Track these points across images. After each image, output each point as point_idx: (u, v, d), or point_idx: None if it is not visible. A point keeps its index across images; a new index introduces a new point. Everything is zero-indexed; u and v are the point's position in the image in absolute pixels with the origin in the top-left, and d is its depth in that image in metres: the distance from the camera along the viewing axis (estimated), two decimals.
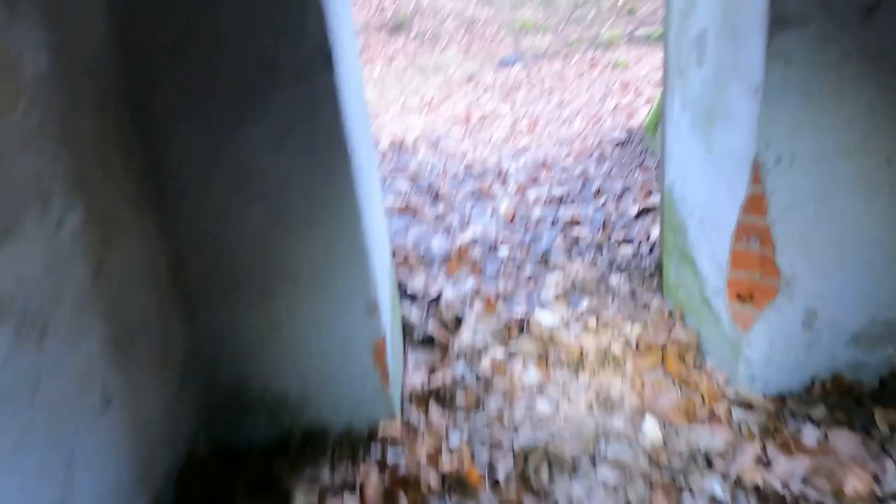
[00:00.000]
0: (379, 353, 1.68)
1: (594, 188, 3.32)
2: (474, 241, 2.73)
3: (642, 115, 4.42)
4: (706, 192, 1.84)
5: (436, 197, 3.31)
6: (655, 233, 2.62)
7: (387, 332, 1.75)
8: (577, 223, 2.94)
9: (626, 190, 3.28)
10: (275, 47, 1.37)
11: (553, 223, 2.96)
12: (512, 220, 3.06)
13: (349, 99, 1.54)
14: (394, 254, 2.54)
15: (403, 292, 2.36)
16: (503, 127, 5.73)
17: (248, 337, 1.62)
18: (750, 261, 1.69)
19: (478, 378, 1.96)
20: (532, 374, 1.97)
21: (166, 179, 1.46)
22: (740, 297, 1.74)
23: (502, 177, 3.81)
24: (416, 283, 2.39)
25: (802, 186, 1.55)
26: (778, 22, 1.41)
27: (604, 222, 2.89)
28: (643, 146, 3.84)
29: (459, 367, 1.99)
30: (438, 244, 2.68)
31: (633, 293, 2.35)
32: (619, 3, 12.61)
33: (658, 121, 3.59)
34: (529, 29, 12.29)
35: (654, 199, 3.01)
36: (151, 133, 1.41)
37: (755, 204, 1.60)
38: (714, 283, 1.86)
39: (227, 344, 1.62)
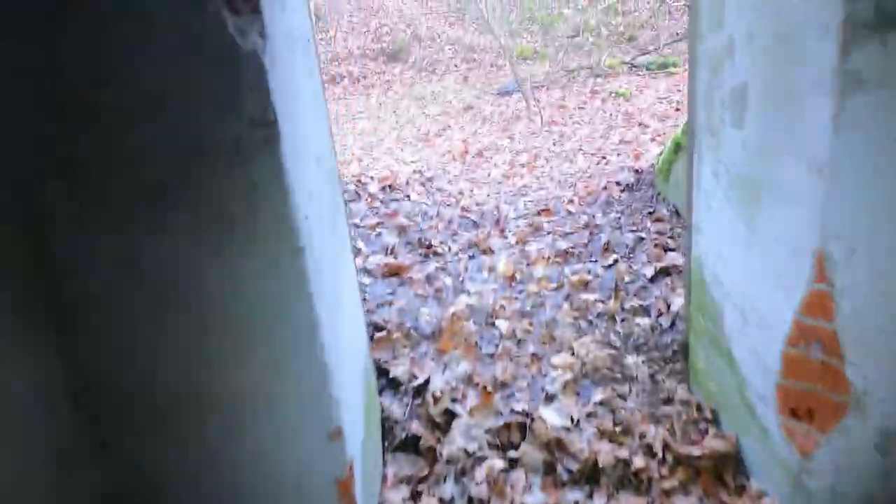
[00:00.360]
0: (344, 488, 1.34)
1: (602, 241, 3.00)
2: (469, 310, 2.40)
3: (651, 154, 4.13)
4: (747, 278, 1.51)
5: (427, 252, 2.98)
6: (676, 302, 2.29)
7: (356, 456, 1.40)
8: (585, 285, 2.61)
9: (638, 243, 2.96)
10: (202, 123, 1.05)
11: (558, 286, 2.63)
12: (512, 281, 2.73)
13: (304, 178, 1.22)
14: (375, 329, 2.21)
15: (385, 378, 2.02)
16: (502, 163, 5.44)
17: (178, 477, 1.28)
18: (809, 370, 1.35)
19: (471, 501, 1.60)
20: (537, 496, 1.61)
21: (68, 289, 1.13)
22: (796, 414, 1.40)
23: (501, 224, 3.50)
24: (400, 366, 2.05)
25: (880, 284, 1.22)
26: (851, 83, 1.10)
27: (615, 285, 2.56)
28: (654, 191, 3.53)
29: (448, 486, 1.64)
30: (428, 314, 2.35)
31: (653, 379, 2.01)
32: (619, 31, 12.47)
33: (671, 165, 3.29)
34: (528, 56, 12.13)
35: (672, 257, 2.68)
36: (47, 231, 1.09)
37: (818, 304, 1.27)
38: (759, 389, 1.52)
39: (150, 486, 1.27)
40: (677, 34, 11.78)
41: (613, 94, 7.32)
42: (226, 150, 1.07)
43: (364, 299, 2.41)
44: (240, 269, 1.14)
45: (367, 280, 2.58)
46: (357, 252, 2.82)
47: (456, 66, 12.09)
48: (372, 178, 4.42)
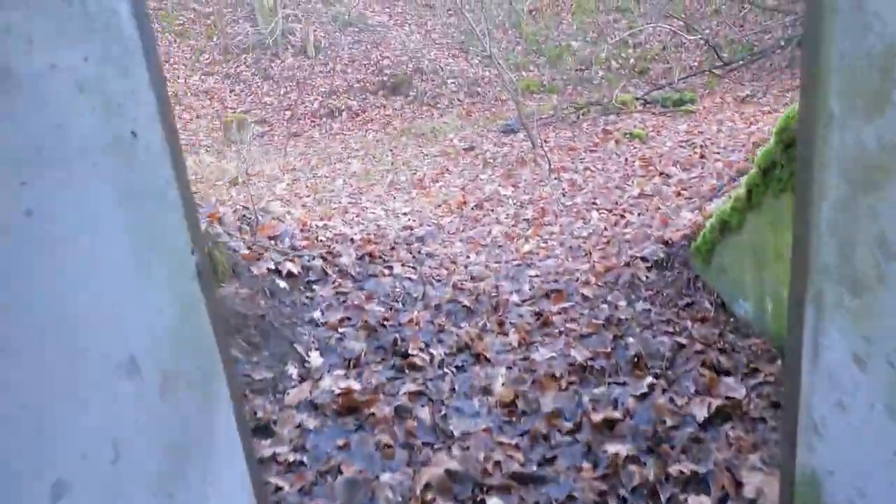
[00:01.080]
0: None
1: (631, 350, 2.30)
2: (450, 477, 1.70)
3: (682, 221, 3.45)
4: None
5: (402, 363, 2.30)
6: (752, 480, 1.58)
7: None
8: (612, 427, 1.90)
9: (677, 353, 2.26)
10: None
11: (574, 427, 1.93)
12: (511, 414, 2.03)
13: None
14: None
15: None
16: (504, 217, 4.79)
17: None
18: None
19: None
20: None
21: None
22: None
23: (500, 312, 2.81)
24: None
25: None
26: None
27: (654, 430, 1.85)
28: (690, 273, 2.84)
29: None
30: (391, 486, 1.65)
31: None
32: (630, 63, 11.93)
33: (714, 246, 2.60)
34: (535, 90, 11.57)
35: (729, 386, 1.98)
36: None
37: None
38: None
39: None
40: (691, 67, 11.22)
41: (628, 135, 6.69)
42: None
43: (301, 462, 1.71)
44: None
45: (312, 422, 1.88)
46: (306, 373, 2.13)
47: (459, 100, 11.56)
48: (352, 240, 3.77)
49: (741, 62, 9.61)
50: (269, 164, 8.24)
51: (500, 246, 4.08)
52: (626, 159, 5.78)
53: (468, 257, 3.84)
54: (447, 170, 6.55)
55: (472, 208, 5.07)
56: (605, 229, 4.00)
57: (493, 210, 4.99)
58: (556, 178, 5.50)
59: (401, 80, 12.13)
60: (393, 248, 3.80)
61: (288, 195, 6.18)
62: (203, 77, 13.04)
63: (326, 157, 8.57)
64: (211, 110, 12.18)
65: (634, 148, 6.19)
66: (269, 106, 12.29)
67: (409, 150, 8.24)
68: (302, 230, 3.78)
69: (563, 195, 5.09)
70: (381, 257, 3.50)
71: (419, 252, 3.86)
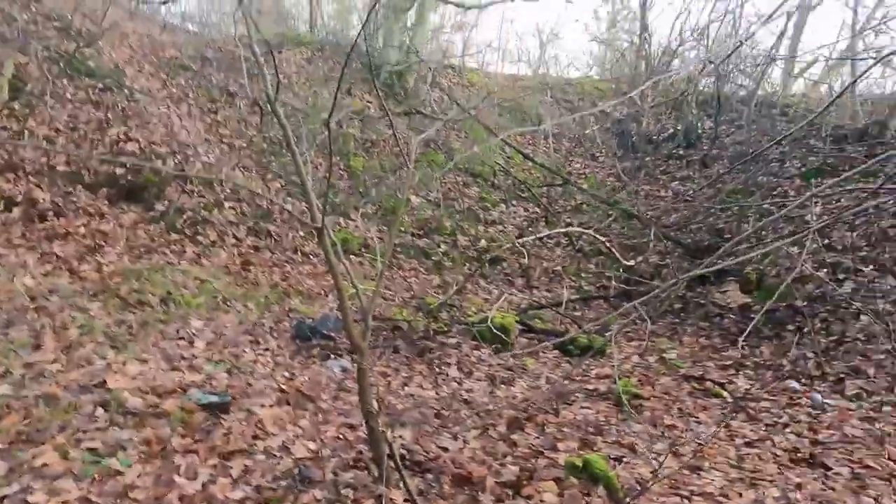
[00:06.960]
0: None
1: None
2: None
3: None
4: None
5: None
6: None
7: None
8: None
9: None
10: None
11: None
12: None
13: None
14: None
15: None
16: None
17: None
18: None
19: None
20: None
21: None
22: None
23: None
24: None
25: None
26: None
27: None
28: None
29: None
30: None
31: None
32: (480, 243, 9.04)
33: None
34: (354, 251, 7.80)
35: None
36: None
37: None
38: None
39: None
40: (554, 272, 8.68)
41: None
42: None
43: None
44: None
45: None
46: None
47: (236, 237, 7.15)
48: None
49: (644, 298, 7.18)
50: None
51: None
52: None
53: None
54: None
55: None
56: None
57: None
58: None
59: (147, 181, 7.43)
60: None
61: None
62: None
63: None
64: None
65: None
66: None
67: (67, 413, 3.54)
68: None
69: None
70: None
71: None
